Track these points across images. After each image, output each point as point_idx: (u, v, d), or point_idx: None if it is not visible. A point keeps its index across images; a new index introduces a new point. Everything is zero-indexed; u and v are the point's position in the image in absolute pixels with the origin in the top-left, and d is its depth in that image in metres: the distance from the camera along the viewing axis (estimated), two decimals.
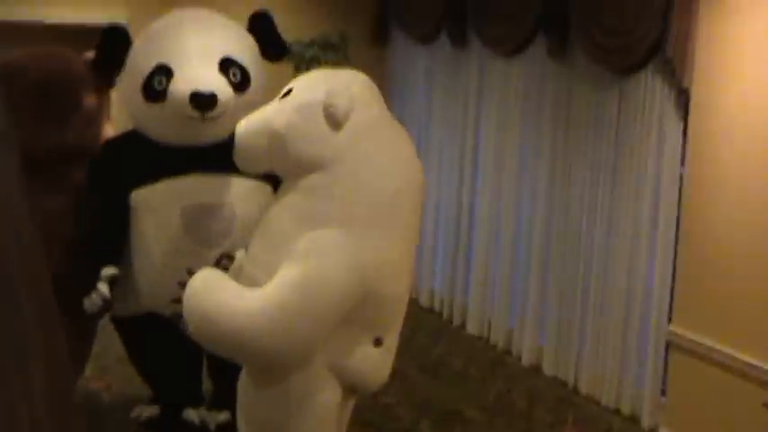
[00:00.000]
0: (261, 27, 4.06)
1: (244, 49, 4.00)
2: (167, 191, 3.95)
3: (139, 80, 3.87)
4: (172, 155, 3.90)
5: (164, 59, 3.83)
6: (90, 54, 4.13)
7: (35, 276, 0.93)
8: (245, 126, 3.49)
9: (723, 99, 4.19)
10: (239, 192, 3.92)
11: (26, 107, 3.92)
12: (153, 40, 4.00)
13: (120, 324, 4.14)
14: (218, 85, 3.79)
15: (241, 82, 3.86)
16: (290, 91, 3.48)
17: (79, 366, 4.37)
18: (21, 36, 5.01)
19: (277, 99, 3.51)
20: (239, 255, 3.58)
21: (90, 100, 4.13)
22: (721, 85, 4.20)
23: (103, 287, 3.78)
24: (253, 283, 3.31)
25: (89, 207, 4.03)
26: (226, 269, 3.56)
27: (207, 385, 4.36)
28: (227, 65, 3.86)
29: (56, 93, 3.99)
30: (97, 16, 6.03)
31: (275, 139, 3.37)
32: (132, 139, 4.01)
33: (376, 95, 3.51)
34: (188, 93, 3.70)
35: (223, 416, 4.18)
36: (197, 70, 3.84)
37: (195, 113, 3.76)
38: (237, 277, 3.44)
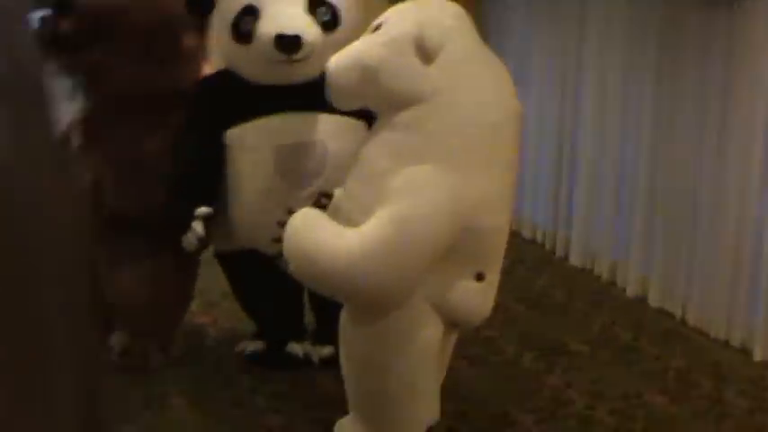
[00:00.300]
0: None
1: None
2: (260, 130, 4.01)
3: (228, 20, 3.93)
4: (264, 94, 3.94)
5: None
6: None
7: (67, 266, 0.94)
8: (336, 63, 3.50)
9: None
10: (331, 129, 3.95)
11: (127, 48, 4.02)
12: None
13: (224, 259, 4.24)
14: (304, 25, 3.82)
15: (331, 20, 3.88)
16: (380, 25, 3.47)
17: (184, 301, 4.52)
18: None
19: (367, 33, 3.50)
20: (337, 193, 3.59)
21: (189, 40, 4.20)
22: None
23: (198, 226, 3.90)
24: (350, 221, 3.34)
25: (185, 147, 4.13)
26: (324, 207, 3.60)
27: (310, 319, 4.45)
28: (315, 3, 3.87)
29: (157, 34, 4.05)
30: None
31: (367, 75, 3.38)
32: (225, 79, 4.07)
33: (468, 25, 3.46)
34: (272, 35, 3.76)
35: (327, 350, 4.24)
36: (283, 10, 3.87)
37: (281, 56, 3.81)
38: (335, 215, 3.48)
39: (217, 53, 4.11)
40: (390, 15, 3.50)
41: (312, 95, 3.58)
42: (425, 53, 3.28)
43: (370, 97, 3.44)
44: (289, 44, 3.76)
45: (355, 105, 3.58)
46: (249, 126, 4.01)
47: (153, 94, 4.09)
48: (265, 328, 4.43)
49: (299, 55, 3.76)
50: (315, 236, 3.35)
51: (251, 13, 3.85)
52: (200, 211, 3.91)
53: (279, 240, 3.54)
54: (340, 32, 3.84)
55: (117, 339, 4.23)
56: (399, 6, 3.56)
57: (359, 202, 3.35)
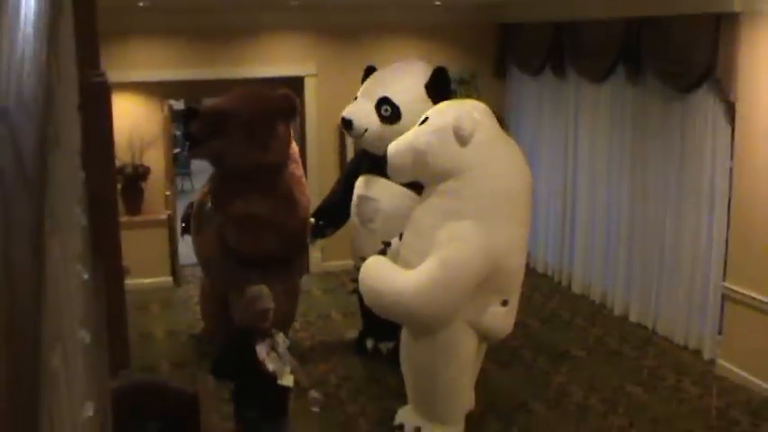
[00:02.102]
0: (437, 80, 4.43)
1: (404, 92, 4.40)
2: (359, 182, 4.59)
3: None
4: (369, 156, 4.50)
5: (359, 92, 4.55)
6: (281, 90, 4.56)
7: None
8: (395, 147, 3.67)
9: (762, 108, 4.23)
10: (387, 192, 4.35)
11: (240, 136, 4.35)
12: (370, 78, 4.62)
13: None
14: (362, 115, 4.41)
15: (392, 115, 4.36)
16: (426, 119, 3.65)
17: (288, 320, 4.63)
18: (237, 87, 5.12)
19: (417, 125, 3.68)
20: (395, 242, 3.79)
21: (282, 127, 4.53)
22: (760, 98, 4.26)
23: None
24: (407, 263, 3.56)
25: (338, 184, 4.77)
26: (384, 253, 3.79)
27: None
28: (381, 103, 4.40)
29: (259, 124, 4.39)
30: (293, 69, 6.47)
31: (418, 156, 3.56)
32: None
33: (492, 119, 3.62)
34: (341, 116, 4.45)
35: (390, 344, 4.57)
36: (358, 101, 4.47)
37: (345, 131, 4.47)
38: (396, 259, 3.67)
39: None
40: (434, 111, 3.68)
41: (383, 165, 3.89)
42: (462, 139, 3.42)
43: (419, 173, 3.62)
44: (345, 123, 4.37)
45: (408, 179, 3.81)
46: (359, 178, 4.51)
47: (259, 168, 4.40)
48: (364, 323, 4.83)
49: (353, 134, 4.33)
50: (381, 277, 3.54)
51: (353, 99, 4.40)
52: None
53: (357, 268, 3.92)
54: (401, 125, 4.16)
55: None
56: (440, 105, 3.78)
57: (414, 250, 3.56)
